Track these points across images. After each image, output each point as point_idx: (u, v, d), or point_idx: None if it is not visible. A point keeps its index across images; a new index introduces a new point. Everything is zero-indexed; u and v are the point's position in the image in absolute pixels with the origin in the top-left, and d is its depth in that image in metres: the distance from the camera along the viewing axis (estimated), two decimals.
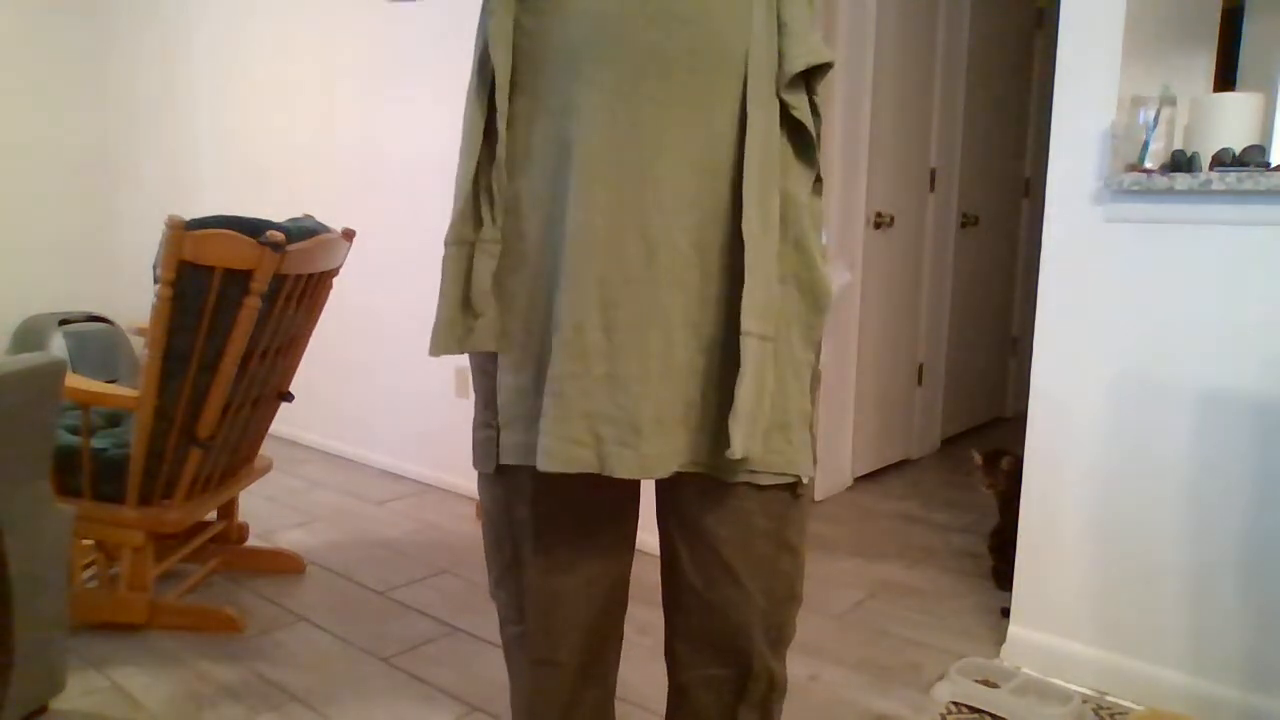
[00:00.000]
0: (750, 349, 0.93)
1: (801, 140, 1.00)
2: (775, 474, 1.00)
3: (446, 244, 0.99)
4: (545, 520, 1.07)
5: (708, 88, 0.93)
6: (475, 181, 0.98)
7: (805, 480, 1.03)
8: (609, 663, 1.19)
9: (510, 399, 1.01)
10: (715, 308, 0.97)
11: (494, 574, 1.14)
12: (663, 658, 1.16)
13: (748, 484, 1.00)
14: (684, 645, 1.11)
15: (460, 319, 0.99)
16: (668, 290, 0.94)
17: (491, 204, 0.98)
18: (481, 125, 0.98)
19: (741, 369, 0.93)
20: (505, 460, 1.03)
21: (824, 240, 1.03)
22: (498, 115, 0.97)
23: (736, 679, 1.08)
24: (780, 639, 1.09)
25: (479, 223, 0.99)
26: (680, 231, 0.94)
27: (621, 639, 1.19)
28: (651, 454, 0.94)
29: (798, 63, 0.95)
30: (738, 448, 0.91)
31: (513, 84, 0.98)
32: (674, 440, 0.96)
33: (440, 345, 0.99)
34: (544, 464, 0.94)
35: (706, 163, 0.95)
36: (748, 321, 0.93)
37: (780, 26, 0.96)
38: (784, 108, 0.97)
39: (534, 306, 0.99)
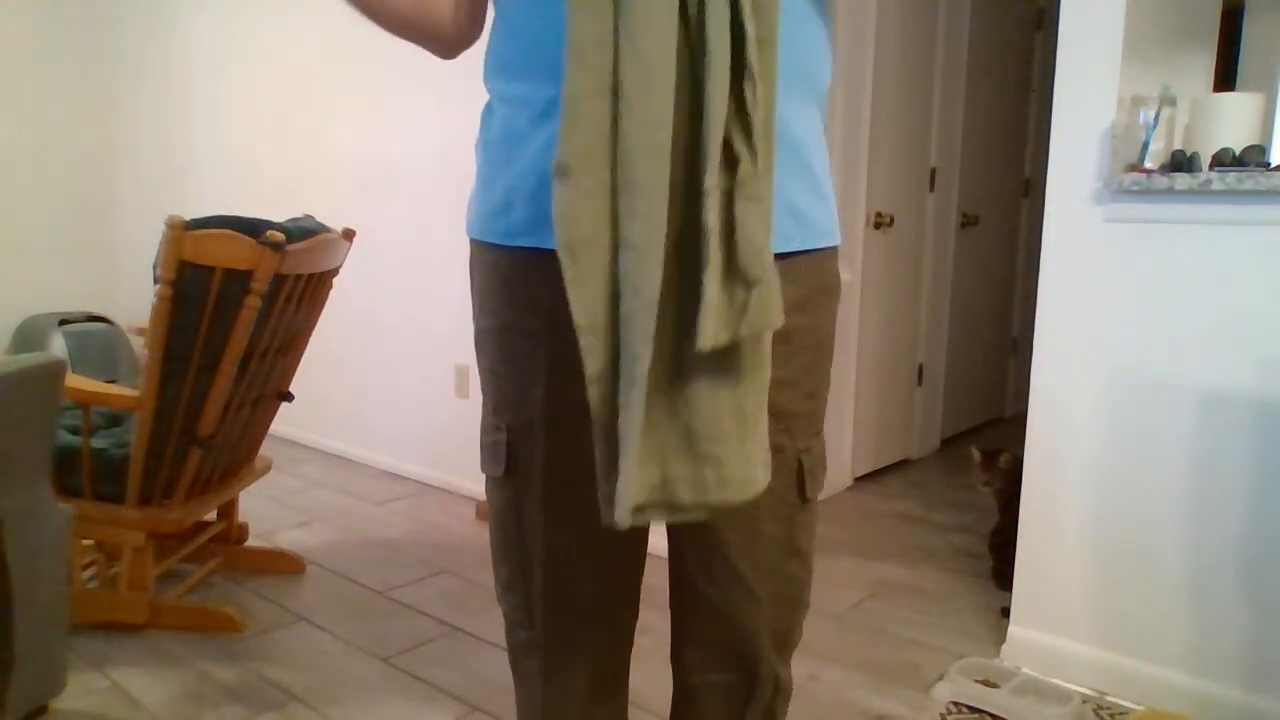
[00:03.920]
0: None
1: None
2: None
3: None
4: (558, 523, 1.05)
5: None
6: None
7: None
8: (622, 670, 1.18)
9: None
10: None
11: (502, 578, 1.11)
12: (659, 657, 1.16)
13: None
14: (691, 649, 1.11)
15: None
16: None
17: None
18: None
19: None
20: None
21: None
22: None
23: (744, 684, 1.08)
24: (787, 644, 1.08)
25: None
26: None
27: (632, 644, 1.19)
28: None
29: None
30: None
31: None
32: None
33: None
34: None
35: None
36: None
37: None
38: None
39: None
